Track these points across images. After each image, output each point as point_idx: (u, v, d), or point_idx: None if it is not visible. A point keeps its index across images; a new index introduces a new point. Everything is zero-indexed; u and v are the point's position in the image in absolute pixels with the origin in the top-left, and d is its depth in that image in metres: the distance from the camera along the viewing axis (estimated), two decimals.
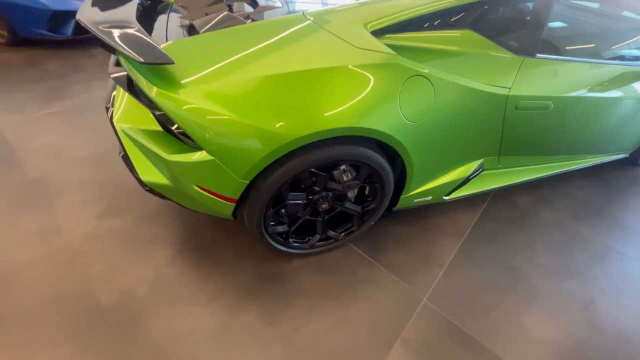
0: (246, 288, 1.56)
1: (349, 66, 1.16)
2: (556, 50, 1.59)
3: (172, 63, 1.00)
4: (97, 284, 1.48)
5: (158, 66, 1.06)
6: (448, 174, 1.66)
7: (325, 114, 1.13)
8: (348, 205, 1.49)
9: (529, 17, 1.52)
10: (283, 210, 1.43)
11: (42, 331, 1.24)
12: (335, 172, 1.42)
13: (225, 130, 1.04)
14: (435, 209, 2.03)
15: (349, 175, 1.48)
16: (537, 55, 1.54)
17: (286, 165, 1.22)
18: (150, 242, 1.70)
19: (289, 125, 1.06)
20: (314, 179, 1.33)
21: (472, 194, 1.76)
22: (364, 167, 1.38)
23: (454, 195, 1.76)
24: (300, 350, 1.31)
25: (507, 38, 1.50)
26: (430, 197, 1.72)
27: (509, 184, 1.78)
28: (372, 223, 1.71)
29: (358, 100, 1.17)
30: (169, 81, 1.03)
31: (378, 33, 1.28)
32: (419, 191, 1.62)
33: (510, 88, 1.45)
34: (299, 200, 1.35)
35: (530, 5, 1.52)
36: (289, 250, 1.53)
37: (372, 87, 1.18)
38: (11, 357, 1.15)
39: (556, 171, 1.96)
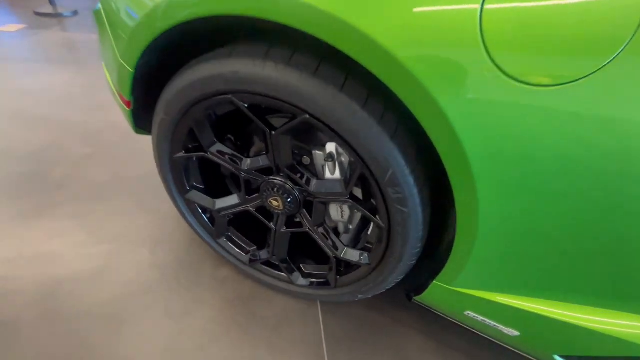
0: (159, 270, 1.06)
1: None
2: None
3: None
4: None
5: None
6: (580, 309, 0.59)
7: None
8: (321, 230, 0.83)
9: None
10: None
11: None
12: (316, 153, 0.73)
13: None
14: None
15: (340, 173, 0.70)
16: None
17: (189, 71, 0.65)
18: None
19: None
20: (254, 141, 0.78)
21: None
22: (357, 163, 0.62)
23: None
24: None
25: None
26: (517, 333, 0.69)
27: None
28: (360, 297, 0.85)
29: None
30: None
31: None
32: (480, 295, 0.68)
33: None
34: (227, 154, 0.78)
35: None
36: (212, 244, 0.98)
37: None
38: None
39: None
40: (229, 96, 0.64)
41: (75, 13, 3.28)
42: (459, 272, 0.67)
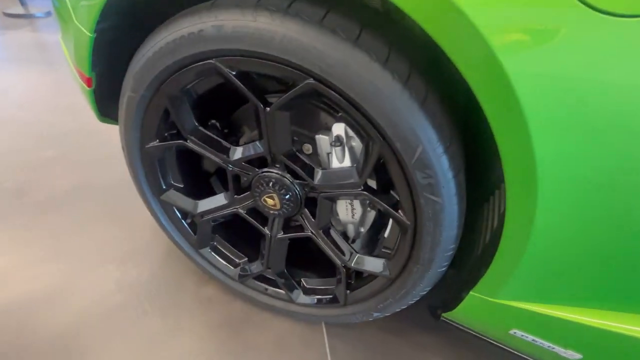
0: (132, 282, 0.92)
1: None
2: None
3: None
4: None
5: None
6: None
7: None
8: (327, 232, 0.73)
9: None
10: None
11: None
12: (321, 138, 0.64)
13: None
14: None
15: (350, 160, 0.61)
16: None
17: (161, 33, 0.55)
18: None
19: None
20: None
21: None
22: (376, 141, 0.53)
23: None
24: None
25: None
26: (579, 356, 0.59)
27: None
28: (376, 315, 0.73)
29: None
30: None
31: None
32: (532, 309, 0.57)
33: None
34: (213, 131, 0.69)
35: None
36: (194, 257, 0.90)
37: None
38: None
39: None
40: (212, 61, 0.54)
41: (48, 14, 3.19)
42: (506, 280, 0.55)
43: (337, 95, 0.49)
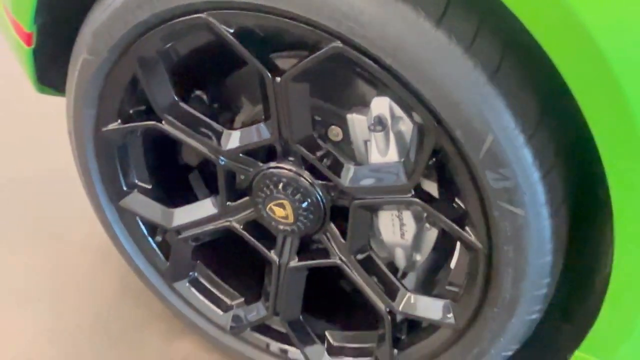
0: None
1: None
2: None
3: None
4: None
5: None
6: None
7: None
8: (364, 260, 0.87)
9: None
10: None
11: None
12: (354, 118, 0.77)
13: None
14: None
15: (398, 151, 0.74)
16: None
17: None
18: None
19: None
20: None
21: None
22: (428, 127, 0.66)
23: None
24: None
25: None
26: None
27: None
28: None
29: None
30: None
31: None
32: None
33: None
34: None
35: None
36: (164, 293, 1.06)
37: None
38: None
39: None
40: (203, 15, 0.67)
41: None
42: (627, 334, 0.67)
43: (372, 63, 0.60)
